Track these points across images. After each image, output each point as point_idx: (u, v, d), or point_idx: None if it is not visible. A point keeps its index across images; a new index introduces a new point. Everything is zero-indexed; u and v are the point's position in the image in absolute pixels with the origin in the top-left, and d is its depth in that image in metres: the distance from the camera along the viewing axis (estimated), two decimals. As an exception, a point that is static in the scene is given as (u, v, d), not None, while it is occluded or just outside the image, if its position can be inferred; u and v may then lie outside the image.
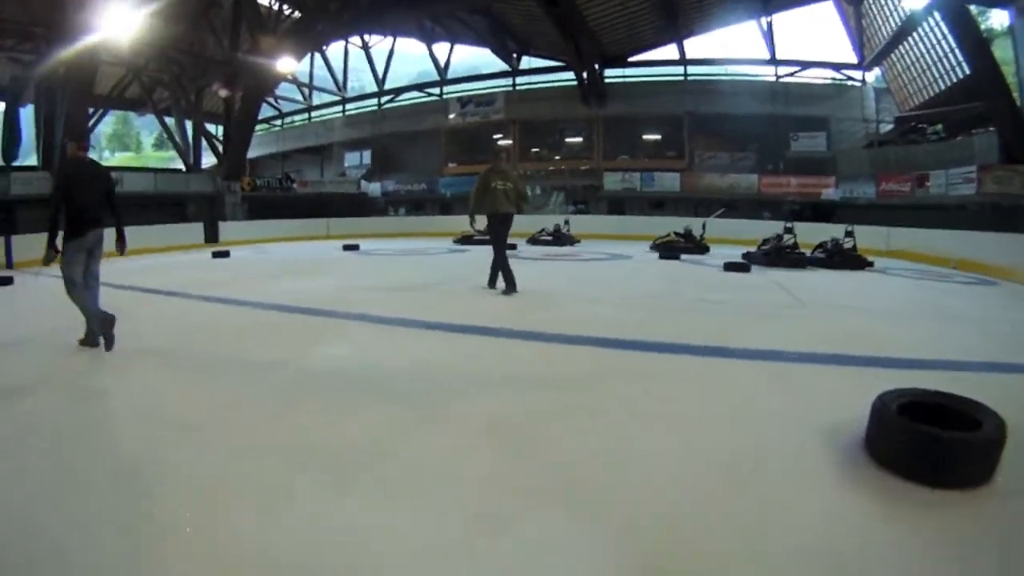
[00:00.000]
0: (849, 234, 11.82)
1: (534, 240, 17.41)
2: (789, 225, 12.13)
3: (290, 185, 24.62)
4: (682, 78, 25.36)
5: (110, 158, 62.98)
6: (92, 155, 5.69)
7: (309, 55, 27.90)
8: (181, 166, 25.40)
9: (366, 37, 29.63)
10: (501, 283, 7.61)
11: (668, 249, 13.64)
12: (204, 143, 24.51)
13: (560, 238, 17.32)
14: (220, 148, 23.40)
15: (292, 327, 6.01)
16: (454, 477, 2.54)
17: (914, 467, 2.40)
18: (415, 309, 6.75)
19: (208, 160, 25.47)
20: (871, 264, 11.39)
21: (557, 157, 27.69)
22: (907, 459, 2.43)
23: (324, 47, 27.88)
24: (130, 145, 68.77)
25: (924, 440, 2.39)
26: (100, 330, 4.41)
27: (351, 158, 29.74)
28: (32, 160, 22.24)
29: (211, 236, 21.00)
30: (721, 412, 3.35)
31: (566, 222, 18.31)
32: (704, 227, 15.05)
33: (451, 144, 28.72)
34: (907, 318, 6.65)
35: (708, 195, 22.55)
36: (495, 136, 27.81)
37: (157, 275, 11.21)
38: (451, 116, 27.99)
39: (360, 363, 4.51)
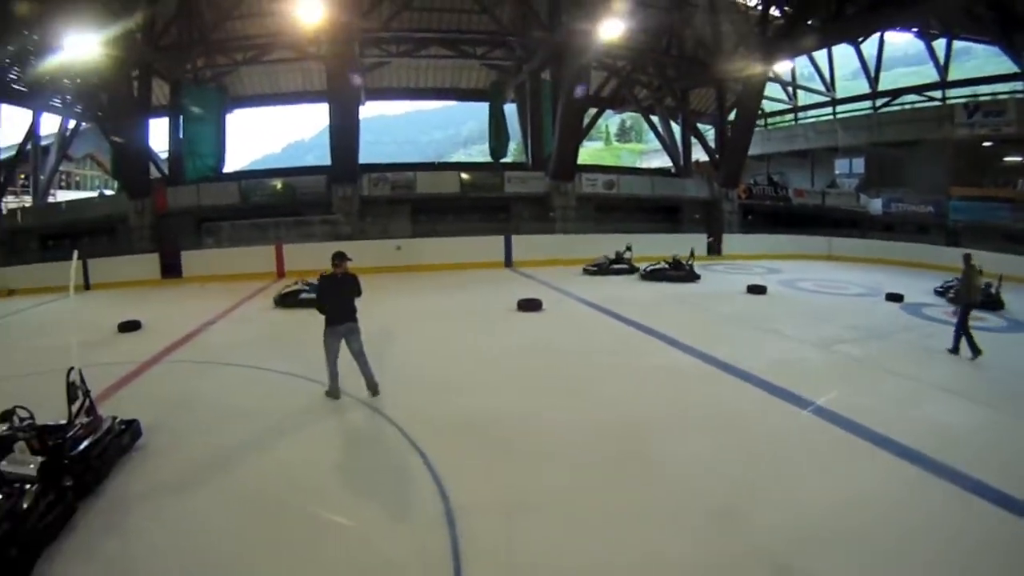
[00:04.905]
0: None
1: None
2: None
3: (785, 194, 21.24)
4: None
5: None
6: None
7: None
8: (653, 162, 24.04)
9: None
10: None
11: None
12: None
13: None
14: (712, 150, 21.06)
15: None
16: None
17: None
18: None
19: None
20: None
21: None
22: None
23: (816, 50, 23.65)
24: (594, 135, 73.88)
25: None
26: (335, 393, 6.19)
27: (841, 166, 25.31)
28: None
29: (714, 248, 18.83)
30: None
31: None
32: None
33: (958, 159, 22.31)
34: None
35: None
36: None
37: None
38: (957, 125, 21.53)
39: None
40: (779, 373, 6.92)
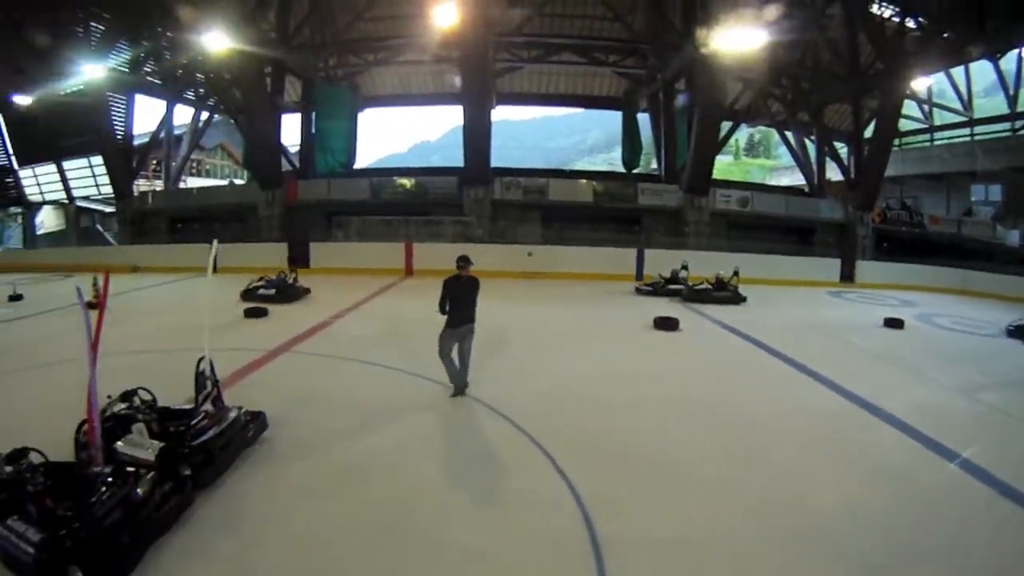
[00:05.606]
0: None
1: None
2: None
3: (920, 221, 20.37)
4: None
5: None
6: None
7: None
8: (782, 179, 23.35)
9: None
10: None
11: None
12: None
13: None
14: (846, 169, 20.32)
15: None
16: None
17: None
18: None
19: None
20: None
21: None
22: None
23: (956, 65, 22.58)
24: (724, 149, 72.85)
25: None
26: (458, 390, 6.31)
27: (976, 192, 23.99)
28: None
29: (847, 275, 18.16)
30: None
31: None
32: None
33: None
34: None
35: None
36: None
37: None
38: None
39: None
40: (924, 419, 6.48)
